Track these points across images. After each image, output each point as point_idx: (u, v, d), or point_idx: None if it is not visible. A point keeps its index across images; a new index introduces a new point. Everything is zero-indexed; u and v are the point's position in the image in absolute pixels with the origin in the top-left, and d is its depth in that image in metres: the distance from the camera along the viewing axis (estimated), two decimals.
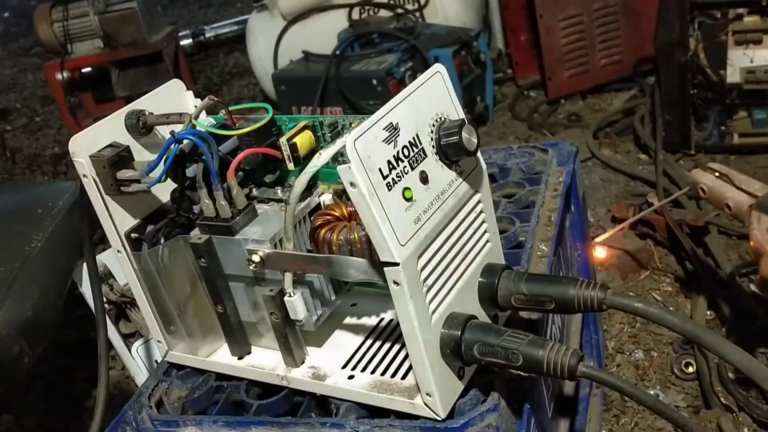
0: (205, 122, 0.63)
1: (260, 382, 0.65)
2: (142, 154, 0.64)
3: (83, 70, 2.97)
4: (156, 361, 1.13)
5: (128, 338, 1.18)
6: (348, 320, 0.67)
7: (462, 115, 0.56)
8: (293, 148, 0.61)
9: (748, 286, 1.25)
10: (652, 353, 1.21)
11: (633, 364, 1.20)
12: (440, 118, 0.55)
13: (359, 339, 0.65)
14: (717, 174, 1.03)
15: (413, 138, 0.53)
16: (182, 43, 3.21)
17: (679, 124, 1.74)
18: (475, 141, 0.54)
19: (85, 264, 0.87)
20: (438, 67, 0.57)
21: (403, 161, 0.51)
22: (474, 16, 2.44)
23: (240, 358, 0.66)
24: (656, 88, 1.84)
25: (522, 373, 0.55)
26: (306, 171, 0.53)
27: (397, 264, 0.50)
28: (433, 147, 0.54)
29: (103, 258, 1.13)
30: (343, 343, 0.65)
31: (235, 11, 3.51)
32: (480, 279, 0.58)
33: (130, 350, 1.16)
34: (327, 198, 0.62)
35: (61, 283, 1.15)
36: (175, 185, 0.62)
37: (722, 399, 1.05)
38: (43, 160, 2.80)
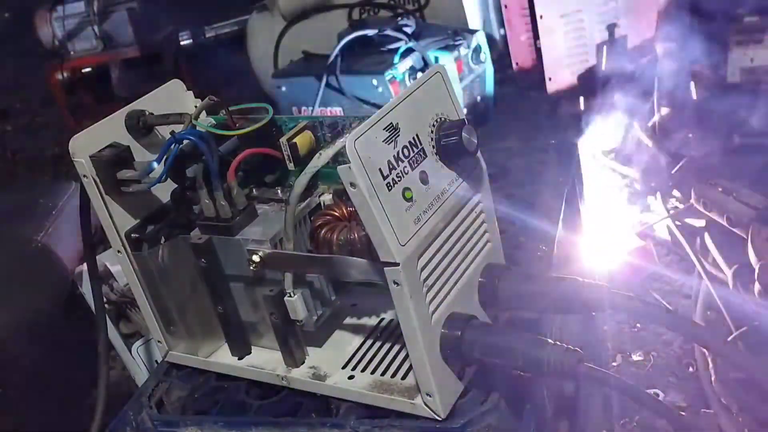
0: (205, 122, 0.63)
1: (260, 382, 0.65)
2: (142, 154, 0.64)
3: (83, 70, 2.97)
4: (156, 361, 1.13)
5: (128, 338, 1.17)
6: (348, 320, 0.67)
7: (462, 115, 0.56)
8: (293, 148, 0.61)
9: (748, 287, 1.25)
10: (651, 353, 1.21)
11: (633, 364, 1.20)
12: (440, 118, 0.55)
13: (359, 339, 0.65)
14: (720, 189, 1.04)
15: (413, 138, 0.53)
16: (182, 43, 3.21)
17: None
18: (476, 141, 0.54)
19: (85, 264, 0.87)
20: (438, 67, 0.57)
21: (403, 161, 0.51)
22: (474, 16, 2.44)
23: (240, 358, 0.66)
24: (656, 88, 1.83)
25: (522, 373, 0.55)
26: (306, 171, 0.53)
27: (397, 264, 0.50)
28: (433, 147, 0.54)
29: (103, 258, 1.13)
30: (343, 343, 0.65)
31: (235, 11, 3.51)
32: (480, 279, 0.58)
33: (130, 350, 1.16)
34: (327, 198, 0.62)
35: (61, 283, 1.15)
36: (176, 185, 0.62)
37: (722, 399, 1.05)
38: (43, 161, 2.79)
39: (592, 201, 1.64)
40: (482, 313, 0.59)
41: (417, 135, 0.53)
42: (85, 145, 0.61)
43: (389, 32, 2.11)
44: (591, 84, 2.13)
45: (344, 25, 2.28)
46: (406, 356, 0.59)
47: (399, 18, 2.27)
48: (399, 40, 2.08)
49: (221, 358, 0.67)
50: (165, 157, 0.59)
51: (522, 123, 2.17)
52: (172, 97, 0.68)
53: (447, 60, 2.02)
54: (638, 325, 1.26)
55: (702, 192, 1.06)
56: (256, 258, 0.58)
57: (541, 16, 2.19)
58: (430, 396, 0.55)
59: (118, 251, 0.64)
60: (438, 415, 0.55)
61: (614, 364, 1.20)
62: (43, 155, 2.85)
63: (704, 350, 1.12)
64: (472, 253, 0.58)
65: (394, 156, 0.51)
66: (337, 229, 0.56)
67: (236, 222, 0.60)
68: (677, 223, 1.42)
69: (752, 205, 1.00)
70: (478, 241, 0.59)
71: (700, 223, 1.40)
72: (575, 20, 2.18)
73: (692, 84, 1.68)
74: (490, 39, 2.35)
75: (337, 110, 2.09)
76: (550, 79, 2.26)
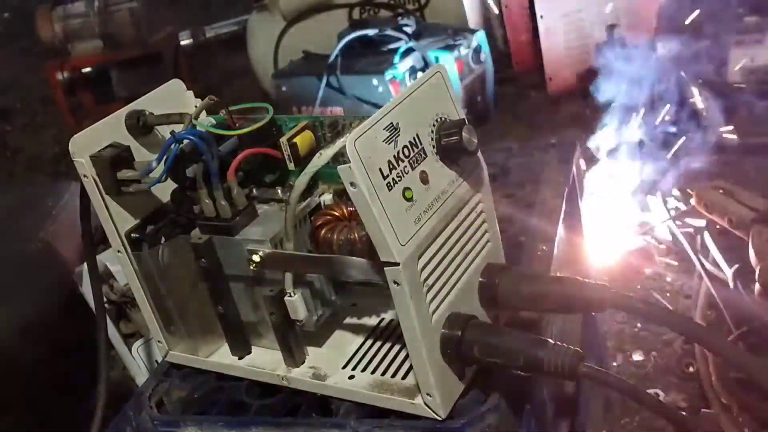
0: (205, 122, 0.63)
1: (260, 382, 0.65)
2: (142, 154, 0.64)
3: (83, 70, 2.96)
4: (156, 361, 1.12)
5: (128, 338, 1.17)
6: (348, 320, 0.67)
7: (462, 115, 0.56)
8: (293, 148, 0.61)
9: (748, 287, 1.25)
10: (652, 353, 1.21)
11: (633, 364, 1.20)
12: (440, 118, 0.55)
13: (359, 339, 0.65)
14: (721, 191, 1.05)
15: (413, 138, 0.53)
16: (182, 43, 3.21)
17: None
18: (476, 141, 0.54)
19: (85, 264, 0.87)
20: (438, 66, 0.57)
21: (403, 161, 0.51)
22: (474, 16, 2.44)
23: (240, 358, 0.66)
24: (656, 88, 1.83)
25: (522, 373, 0.55)
26: (306, 171, 0.53)
27: (397, 264, 0.50)
28: (434, 147, 0.54)
29: (103, 258, 1.13)
30: (343, 343, 0.65)
31: (235, 11, 3.51)
32: (480, 279, 0.58)
33: (130, 350, 1.16)
34: (327, 198, 0.62)
35: (61, 283, 1.15)
36: (176, 185, 0.62)
37: (722, 399, 1.05)
38: (43, 160, 2.79)
39: (592, 201, 1.65)
40: (482, 313, 0.59)
41: (417, 135, 0.53)
42: (85, 145, 0.61)
43: (389, 32, 2.11)
44: (591, 84, 2.13)
45: (344, 25, 2.29)
46: (406, 356, 0.59)
47: (399, 18, 2.28)
48: (399, 39, 2.09)
49: (221, 358, 0.67)
50: (165, 157, 0.59)
51: (522, 123, 2.18)
52: (172, 97, 0.68)
53: (447, 60, 2.03)
54: (638, 325, 1.26)
55: (703, 194, 1.06)
56: (256, 258, 0.58)
57: (541, 16, 2.19)
58: (430, 396, 0.54)
59: (118, 251, 0.64)
60: (438, 415, 0.55)
61: (614, 364, 1.20)
62: (43, 155, 2.85)
63: (704, 350, 1.12)
64: (472, 253, 0.58)
65: (394, 156, 0.51)
66: (337, 229, 0.56)
67: (236, 222, 0.60)
68: (677, 223, 1.42)
69: (753, 207, 1.00)
70: (478, 241, 0.59)
71: (701, 223, 1.40)
72: (575, 20, 2.18)
73: (692, 84, 1.68)
74: (490, 39, 2.36)
75: (338, 110, 2.10)
76: (550, 79, 2.26)
